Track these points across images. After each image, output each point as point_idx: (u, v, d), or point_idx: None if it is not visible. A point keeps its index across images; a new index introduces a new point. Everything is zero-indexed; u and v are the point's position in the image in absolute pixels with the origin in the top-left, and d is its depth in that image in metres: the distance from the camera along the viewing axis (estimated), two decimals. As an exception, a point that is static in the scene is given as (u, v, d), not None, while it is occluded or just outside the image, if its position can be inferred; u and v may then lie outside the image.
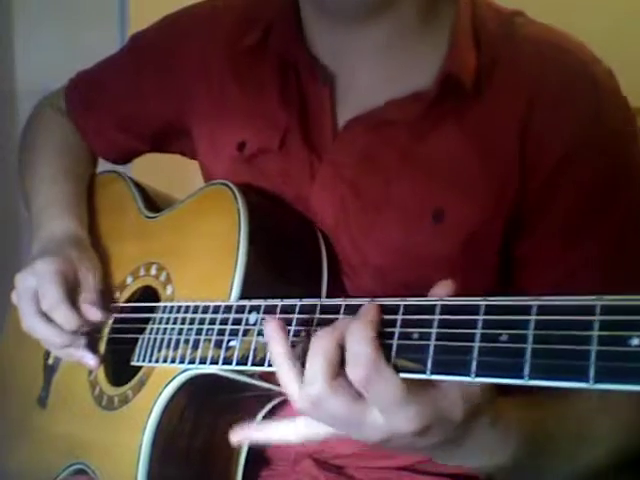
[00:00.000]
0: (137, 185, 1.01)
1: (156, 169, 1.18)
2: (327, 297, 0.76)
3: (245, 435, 0.65)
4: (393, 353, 0.53)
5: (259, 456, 0.85)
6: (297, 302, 0.63)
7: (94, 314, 0.85)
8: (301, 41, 0.84)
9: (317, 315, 0.61)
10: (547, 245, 0.76)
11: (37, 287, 0.83)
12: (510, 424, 0.61)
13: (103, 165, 1.09)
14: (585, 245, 0.75)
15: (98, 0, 1.70)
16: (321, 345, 0.55)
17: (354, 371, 0.53)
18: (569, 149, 0.74)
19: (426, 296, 0.55)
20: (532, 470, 0.68)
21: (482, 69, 0.76)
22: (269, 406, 0.79)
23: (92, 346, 0.87)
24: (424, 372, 0.51)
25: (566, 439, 0.69)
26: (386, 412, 0.53)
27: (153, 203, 0.98)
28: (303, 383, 0.56)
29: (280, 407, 0.79)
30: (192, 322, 0.75)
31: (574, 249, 0.76)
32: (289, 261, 0.79)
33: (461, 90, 0.76)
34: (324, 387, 0.54)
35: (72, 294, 0.84)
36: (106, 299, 0.89)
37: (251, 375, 0.72)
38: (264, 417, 0.79)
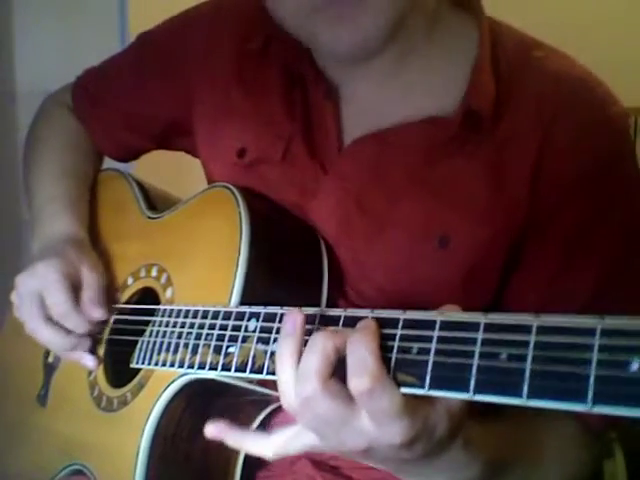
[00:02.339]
0: (139, 184, 1.01)
1: (158, 167, 1.18)
2: (328, 304, 0.76)
3: (219, 432, 0.64)
4: (392, 366, 0.53)
5: (257, 457, 0.85)
6: None
7: (98, 313, 0.85)
8: (305, 51, 0.82)
9: (317, 325, 0.61)
10: (541, 266, 0.77)
11: (41, 291, 0.82)
12: (480, 449, 0.61)
13: (105, 163, 1.09)
14: (579, 272, 0.76)
15: (98, 0, 1.70)
16: (320, 343, 0.54)
17: (358, 381, 0.52)
18: (577, 191, 0.75)
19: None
20: None
21: (499, 100, 0.76)
22: (267, 410, 0.79)
23: (91, 347, 0.87)
24: (422, 387, 0.51)
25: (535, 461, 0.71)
26: (379, 422, 0.53)
27: (155, 202, 0.98)
28: (297, 380, 0.55)
29: (278, 411, 0.79)
30: (192, 326, 0.74)
31: (568, 273, 0.76)
32: (290, 267, 0.78)
33: (480, 122, 0.75)
34: (317, 385, 0.53)
35: (75, 295, 0.84)
36: (107, 299, 0.88)
37: (249, 380, 0.72)
38: (262, 420, 0.79)
